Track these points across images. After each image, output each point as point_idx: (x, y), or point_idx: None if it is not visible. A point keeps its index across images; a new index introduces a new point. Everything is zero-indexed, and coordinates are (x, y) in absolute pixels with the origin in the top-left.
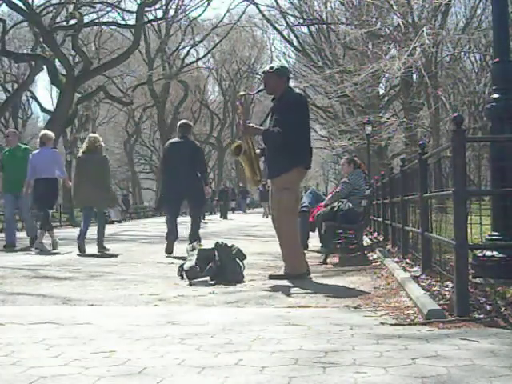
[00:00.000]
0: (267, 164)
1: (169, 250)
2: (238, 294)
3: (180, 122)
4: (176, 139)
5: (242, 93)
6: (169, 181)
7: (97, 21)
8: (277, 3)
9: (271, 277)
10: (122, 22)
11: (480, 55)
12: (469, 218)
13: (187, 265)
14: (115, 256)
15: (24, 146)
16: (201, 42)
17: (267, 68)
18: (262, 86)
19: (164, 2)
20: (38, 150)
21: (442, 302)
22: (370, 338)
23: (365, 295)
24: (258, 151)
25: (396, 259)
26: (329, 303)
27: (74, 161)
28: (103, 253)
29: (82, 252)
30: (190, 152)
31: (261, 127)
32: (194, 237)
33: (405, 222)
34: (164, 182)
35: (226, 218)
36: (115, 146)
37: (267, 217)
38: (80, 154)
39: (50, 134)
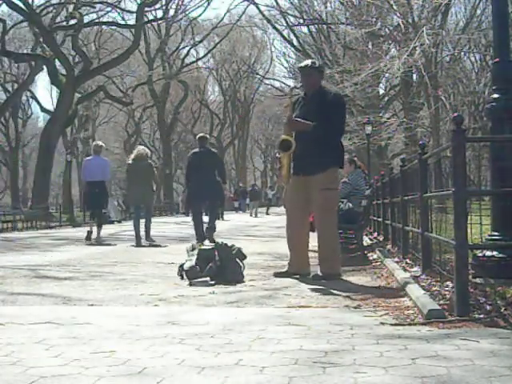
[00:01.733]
0: (304, 161)
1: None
2: (238, 293)
3: (198, 135)
4: (196, 149)
5: (292, 85)
6: (193, 184)
7: (97, 21)
8: (277, 3)
9: (314, 277)
10: (122, 22)
11: (480, 55)
12: (469, 217)
13: (187, 265)
14: (161, 246)
15: None
16: (201, 42)
17: (308, 63)
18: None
19: (164, 2)
20: (91, 157)
21: (442, 301)
22: (370, 338)
23: (365, 295)
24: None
25: (396, 259)
26: (329, 303)
27: (74, 161)
28: (151, 243)
29: (138, 245)
30: (209, 159)
31: (309, 122)
32: (212, 225)
33: (405, 221)
34: (189, 185)
35: (222, 218)
36: (115, 146)
37: (255, 216)
38: (130, 161)
39: (101, 144)
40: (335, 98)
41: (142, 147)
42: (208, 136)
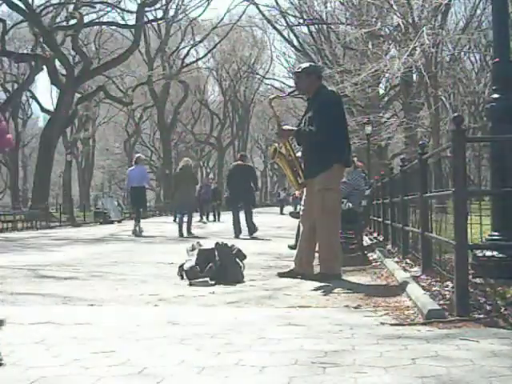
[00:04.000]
0: (305, 164)
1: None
2: (238, 293)
3: (240, 153)
4: (239, 162)
5: (272, 96)
6: (232, 190)
7: (97, 21)
8: (277, 3)
9: (314, 278)
10: (122, 22)
11: (480, 55)
12: (469, 218)
13: (187, 265)
14: (201, 238)
15: None
16: (201, 42)
17: (296, 68)
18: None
19: (164, 2)
20: (133, 167)
21: (441, 302)
22: (370, 338)
23: (365, 295)
24: (298, 154)
25: (396, 259)
26: (329, 303)
27: (73, 161)
28: (192, 236)
29: (181, 236)
30: (247, 171)
31: (294, 128)
32: (250, 224)
33: (405, 221)
34: (229, 191)
35: (219, 220)
36: (115, 146)
37: None
38: (177, 170)
39: (143, 156)
40: (323, 98)
41: (187, 159)
42: (247, 155)
